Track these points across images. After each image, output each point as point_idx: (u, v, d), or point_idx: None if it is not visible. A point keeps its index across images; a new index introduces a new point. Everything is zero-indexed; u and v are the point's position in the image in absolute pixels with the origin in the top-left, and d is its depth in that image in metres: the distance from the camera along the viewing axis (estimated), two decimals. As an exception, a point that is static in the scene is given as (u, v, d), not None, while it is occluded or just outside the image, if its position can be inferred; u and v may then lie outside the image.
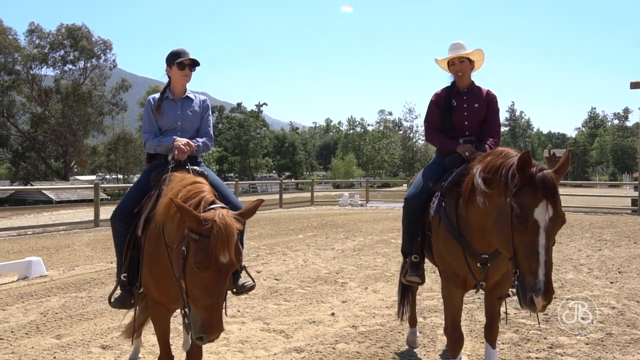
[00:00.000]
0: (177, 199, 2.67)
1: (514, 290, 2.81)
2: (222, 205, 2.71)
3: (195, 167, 3.55)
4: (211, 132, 3.97)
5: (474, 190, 3.17)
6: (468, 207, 3.30)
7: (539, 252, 2.65)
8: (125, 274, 3.45)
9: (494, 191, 2.99)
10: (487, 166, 3.14)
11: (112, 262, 8.91)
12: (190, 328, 2.56)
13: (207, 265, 2.43)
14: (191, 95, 3.90)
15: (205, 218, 2.50)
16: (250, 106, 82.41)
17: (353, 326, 5.35)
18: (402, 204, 4.20)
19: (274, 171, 79.87)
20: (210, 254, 2.42)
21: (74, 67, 52.42)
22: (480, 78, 4.28)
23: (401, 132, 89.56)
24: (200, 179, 3.07)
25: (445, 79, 4.31)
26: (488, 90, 4.16)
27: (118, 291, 3.62)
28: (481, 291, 3.71)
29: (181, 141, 3.59)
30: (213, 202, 2.71)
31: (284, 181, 32.06)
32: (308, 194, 27.42)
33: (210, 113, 4.07)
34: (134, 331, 3.95)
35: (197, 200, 2.72)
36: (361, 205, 24.75)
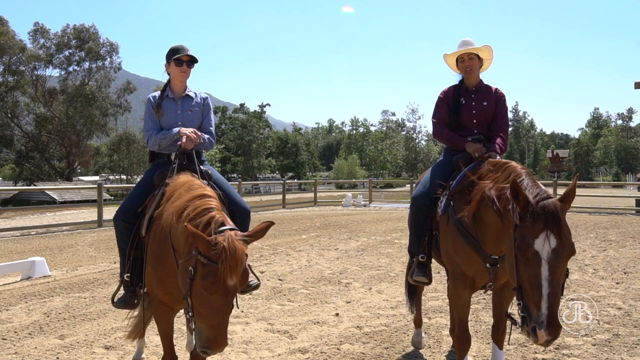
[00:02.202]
0: (186, 216, 2.67)
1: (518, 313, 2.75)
2: (232, 226, 2.65)
3: (200, 167, 3.52)
4: (213, 130, 3.93)
5: (486, 203, 3.17)
6: (482, 212, 3.26)
7: (542, 284, 2.56)
8: (129, 274, 3.42)
9: (506, 215, 2.97)
10: (497, 187, 3.13)
11: (115, 263, 8.90)
12: (194, 337, 2.54)
13: (215, 290, 2.41)
14: (191, 94, 3.86)
15: (215, 242, 2.45)
16: (253, 107, 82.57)
17: (357, 327, 5.32)
18: (408, 204, 4.16)
19: (277, 172, 79.84)
20: (217, 280, 2.39)
21: (78, 68, 52.60)
22: (484, 78, 4.24)
23: (404, 132, 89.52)
24: (207, 190, 2.99)
25: (450, 78, 4.28)
26: (496, 89, 4.13)
27: (121, 291, 3.59)
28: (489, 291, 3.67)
29: (187, 130, 3.55)
30: (223, 223, 2.65)
31: (287, 182, 32.07)
32: (311, 195, 27.42)
33: (212, 111, 4.03)
34: (143, 331, 3.92)
35: (207, 219, 2.66)
36: (364, 205, 24.70)
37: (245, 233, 2.61)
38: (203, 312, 2.46)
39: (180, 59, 3.70)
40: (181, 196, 2.92)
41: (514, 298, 2.82)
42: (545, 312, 2.52)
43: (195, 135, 3.55)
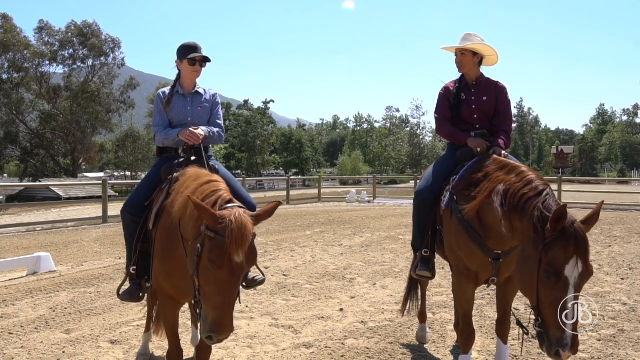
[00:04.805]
0: (194, 197, 2.65)
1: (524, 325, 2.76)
2: (240, 204, 2.68)
3: (207, 160, 3.53)
4: (222, 125, 3.94)
5: (492, 203, 3.12)
6: (487, 213, 3.23)
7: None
8: (135, 267, 3.44)
9: (517, 223, 2.92)
10: (511, 191, 3.04)
11: (120, 258, 8.94)
12: (200, 323, 2.55)
13: (221, 264, 2.41)
14: (201, 90, 3.87)
15: (222, 216, 2.47)
16: (257, 103, 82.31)
17: (362, 322, 5.33)
18: (412, 199, 4.16)
19: (281, 168, 79.84)
20: (224, 253, 2.40)
21: (82, 65, 52.74)
22: (488, 74, 4.21)
23: (408, 128, 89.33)
24: (215, 176, 3.03)
25: (454, 74, 4.26)
26: (497, 82, 4.10)
27: (127, 284, 3.61)
28: (492, 286, 3.67)
29: (185, 132, 3.53)
30: (230, 201, 2.68)
31: (291, 178, 32.07)
32: (315, 191, 27.43)
33: (221, 107, 4.04)
34: (151, 325, 3.94)
35: (214, 199, 2.69)
36: (368, 201, 24.71)
37: (254, 213, 2.63)
38: (209, 290, 2.46)
39: (194, 59, 3.71)
40: (189, 186, 2.94)
41: (531, 314, 2.79)
42: (569, 335, 2.56)
43: (194, 136, 3.51)
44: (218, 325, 2.40)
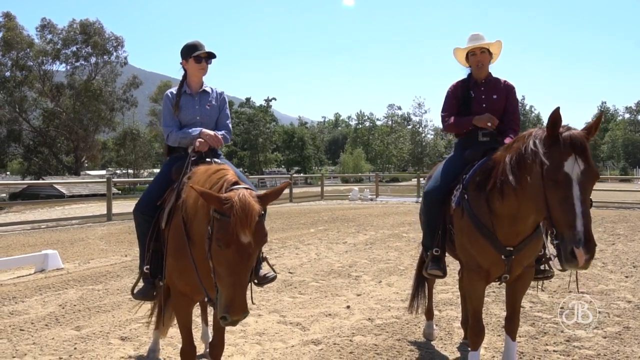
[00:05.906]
0: (198, 186, 2.72)
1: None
2: (245, 186, 2.74)
3: (216, 160, 3.57)
4: (229, 125, 3.98)
5: (505, 181, 3.16)
6: (498, 198, 3.27)
7: (575, 204, 2.62)
8: (148, 266, 3.48)
9: (525, 172, 2.98)
10: (517, 152, 3.12)
11: (126, 256, 9.00)
12: (215, 309, 2.62)
13: (228, 243, 2.47)
14: (207, 89, 3.91)
15: (226, 197, 2.54)
16: (259, 101, 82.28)
17: (369, 319, 5.37)
18: (415, 198, 4.19)
19: (283, 166, 79.85)
20: (230, 233, 2.46)
21: (85, 63, 52.84)
22: (492, 71, 4.23)
23: (410, 126, 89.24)
24: (224, 165, 3.13)
25: (457, 72, 4.28)
26: (505, 81, 4.12)
27: (140, 283, 3.66)
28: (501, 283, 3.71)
29: (209, 133, 3.62)
30: (236, 183, 2.75)
31: (294, 176, 32.07)
32: (317, 189, 27.46)
33: (227, 105, 4.08)
34: (161, 323, 3.99)
35: (220, 184, 2.77)
36: (371, 199, 24.73)
37: (261, 193, 2.70)
38: (221, 271, 2.54)
39: (199, 56, 3.75)
40: (199, 180, 2.99)
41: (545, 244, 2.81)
42: (581, 230, 2.58)
43: (214, 141, 3.62)
44: (230, 306, 2.47)
